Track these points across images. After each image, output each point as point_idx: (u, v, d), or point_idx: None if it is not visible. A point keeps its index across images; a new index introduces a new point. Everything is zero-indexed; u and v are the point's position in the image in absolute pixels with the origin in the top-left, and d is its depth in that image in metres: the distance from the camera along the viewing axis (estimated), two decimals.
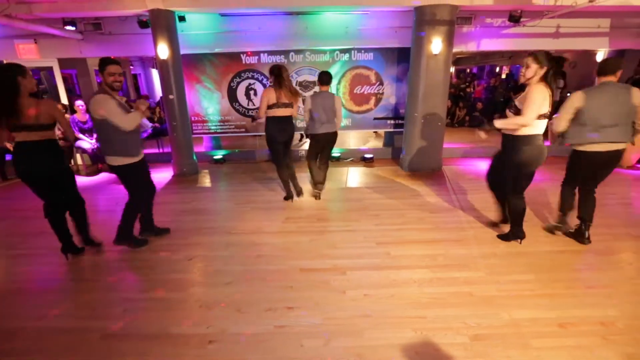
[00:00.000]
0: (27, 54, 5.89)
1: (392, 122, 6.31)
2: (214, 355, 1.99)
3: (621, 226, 3.52)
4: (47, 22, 5.20)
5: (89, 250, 3.24)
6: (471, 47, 5.94)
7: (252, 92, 6.15)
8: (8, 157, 5.83)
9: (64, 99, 6.34)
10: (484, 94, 10.04)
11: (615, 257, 2.97)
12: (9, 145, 5.71)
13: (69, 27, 5.37)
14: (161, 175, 5.74)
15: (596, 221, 3.61)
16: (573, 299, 2.41)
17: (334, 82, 6.09)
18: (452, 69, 10.48)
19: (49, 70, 6.27)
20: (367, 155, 6.36)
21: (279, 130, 3.96)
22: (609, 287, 2.54)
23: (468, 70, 13.47)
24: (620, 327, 2.13)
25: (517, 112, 2.75)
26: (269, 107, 3.85)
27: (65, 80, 6.31)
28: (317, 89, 4.15)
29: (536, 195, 4.26)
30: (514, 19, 5.22)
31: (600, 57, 6.61)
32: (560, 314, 2.26)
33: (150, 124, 6.74)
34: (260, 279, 2.73)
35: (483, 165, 5.80)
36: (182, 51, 5.48)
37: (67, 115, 5.85)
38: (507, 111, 2.85)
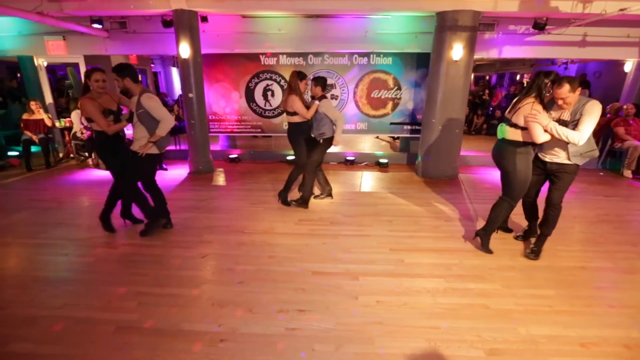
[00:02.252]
0: (56, 50, 6.09)
1: (409, 127, 6.25)
2: (224, 354, 2.00)
3: None
4: (76, 19, 5.37)
5: (105, 243, 3.32)
6: (493, 54, 5.84)
7: (269, 93, 6.20)
8: (33, 148, 6.05)
9: None
10: (503, 102, 9.84)
11: (639, 276, 2.85)
12: (35, 138, 5.94)
13: (96, 25, 5.54)
14: (177, 172, 5.83)
15: (620, 238, 3.51)
16: (594, 317, 2.32)
17: (352, 85, 6.08)
18: (472, 76, 10.33)
19: (75, 66, 6.48)
20: (382, 160, 6.31)
21: None
22: (633, 307, 2.43)
23: (487, 77, 13.25)
24: None
25: None
26: None
27: None
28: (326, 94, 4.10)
29: None
30: (539, 26, 5.10)
31: (628, 67, 6.39)
32: (580, 332, 2.17)
33: None
34: (272, 280, 2.73)
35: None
36: (203, 51, 5.57)
37: None
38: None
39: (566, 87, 2.59)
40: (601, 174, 5.89)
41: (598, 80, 8.11)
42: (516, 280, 2.75)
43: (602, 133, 6.02)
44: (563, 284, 2.70)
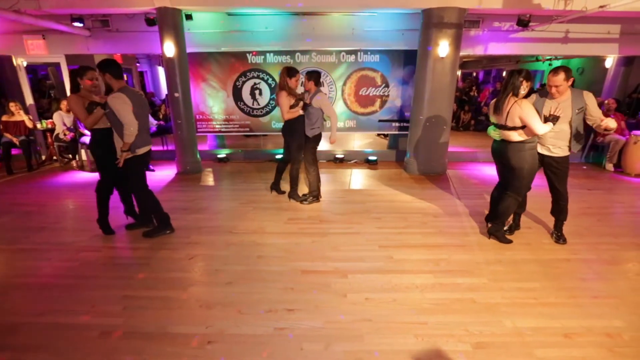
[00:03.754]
0: (35, 50, 5.92)
1: (397, 124, 6.28)
2: (212, 356, 1.97)
3: (628, 235, 3.46)
4: (55, 18, 5.22)
5: (89, 247, 3.25)
6: (478, 50, 5.90)
7: (257, 92, 6.14)
8: (14, 151, 5.88)
9: None
10: (490, 98, 9.97)
11: (621, 267, 2.92)
12: (15, 140, 5.78)
13: (76, 24, 5.39)
14: (165, 173, 5.74)
15: (602, 230, 3.59)
16: (578, 308, 2.37)
17: (339, 83, 6.08)
18: (459, 73, 10.43)
19: (57, 66, 6.31)
20: (371, 158, 6.32)
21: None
22: (615, 297, 2.50)
23: (474, 74, 13.40)
24: (626, 339, 2.08)
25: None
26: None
27: None
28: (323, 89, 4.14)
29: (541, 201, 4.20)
30: (523, 23, 5.17)
31: (609, 63, 6.54)
32: (565, 323, 2.22)
33: (155, 122, 6.79)
34: (261, 280, 2.71)
35: (488, 170, 5.75)
36: (189, 49, 5.48)
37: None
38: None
39: (561, 75, 2.75)
40: (584, 167, 6.03)
41: (581, 76, 8.28)
42: (503, 274, 2.79)
43: (585, 127, 6.14)
44: (548, 276, 2.75)
